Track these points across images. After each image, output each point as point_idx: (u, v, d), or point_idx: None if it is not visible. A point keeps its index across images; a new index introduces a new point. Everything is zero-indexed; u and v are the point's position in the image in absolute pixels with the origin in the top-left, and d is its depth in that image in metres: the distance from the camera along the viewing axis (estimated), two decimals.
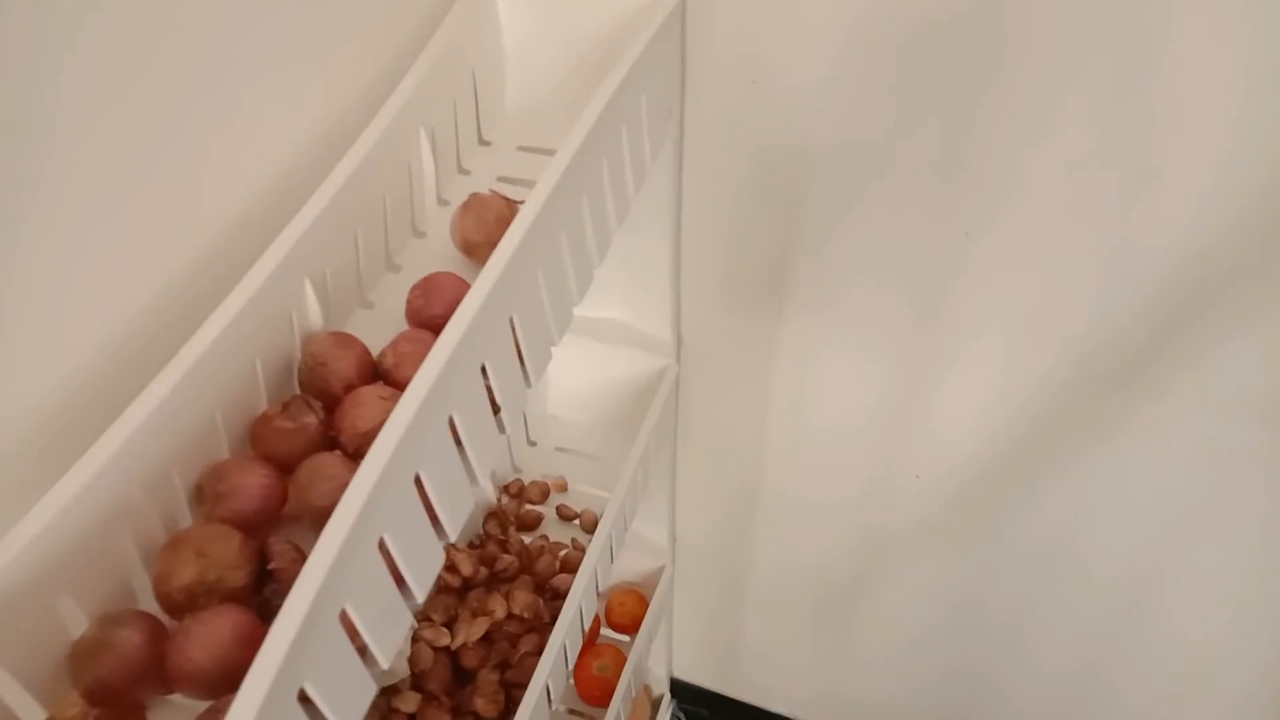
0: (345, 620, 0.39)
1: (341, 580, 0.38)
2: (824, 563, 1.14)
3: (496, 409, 0.51)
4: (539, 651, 0.77)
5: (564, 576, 0.81)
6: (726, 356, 0.92)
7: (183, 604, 0.42)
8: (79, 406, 0.45)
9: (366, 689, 0.42)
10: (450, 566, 0.80)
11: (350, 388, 0.50)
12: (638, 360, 0.90)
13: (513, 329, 0.51)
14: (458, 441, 0.47)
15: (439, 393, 0.43)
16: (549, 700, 0.72)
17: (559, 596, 0.81)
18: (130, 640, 0.40)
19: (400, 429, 0.40)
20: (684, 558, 1.16)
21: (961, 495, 0.96)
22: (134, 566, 0.44)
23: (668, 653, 1.35)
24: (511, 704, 0.74)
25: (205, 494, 0.46)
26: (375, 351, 0.53)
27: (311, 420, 0.49)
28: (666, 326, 0.87)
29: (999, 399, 0.84)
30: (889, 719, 1.33)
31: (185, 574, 0.42)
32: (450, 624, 0.77)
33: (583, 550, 0.85)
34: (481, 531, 0.87)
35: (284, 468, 0.48)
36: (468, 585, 0.81)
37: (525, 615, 0.77)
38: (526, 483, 0.91)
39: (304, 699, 0.38)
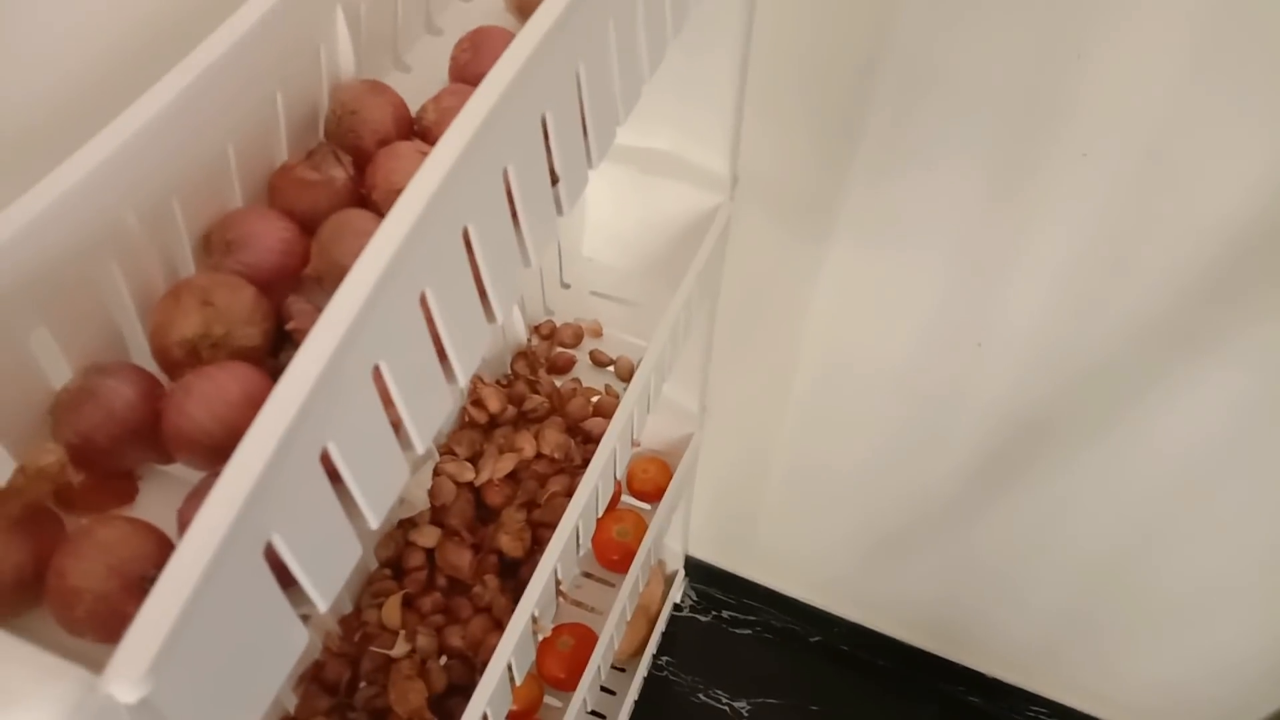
0: (379, 382, 0.33)
1: (376, 326, 0.31)
2: (859, 442, 1.08)
3: (554, 179, 0.43)
4: (569, 493, 0.71)
5: (598, 420, 0.75)
6: (786, 200, 0.84)
7: (183, 361, 0.36)
8: (69, 119, 0.37)
9: (399, 469, 0.35)
10: (476, 401, 0.74)
11: (384, 142, 0.43)
12: (686, 197, 0.82)
13: (579, 86, 0.43)
14: (511, 205, 0.40)
15: (495, 132, 0.35)
16: (578, 544, 0.67)
17: (591, 440, 0.75)
18: (119, 392, 0.34)
19: (453, 155, 0.33)
20: (709, 428, 1.10)
21: (1019, 378, 0.89)
22: (127, 314, 0.37)
23: (684, 529, 1.31)
24: (538, 544, 0.69)
25: (214, 244, 0.39)
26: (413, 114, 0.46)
27: (339, 174, 0.42)
28: (723, 159, 0.79)
29: (1070, 282, 0.78)
30: (908, 608, 1.29)
31: (188, 325, 0.35)
32: (475, 460, 0.71)
33: (617, 397, 0.79)
34: (510, 371, 0.81)
35: (306, 226, 0.41)
36: (494, 423, 0.75)
37: (555, 455, 0.71)
38: (559, 325, 0.84)
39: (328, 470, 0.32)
